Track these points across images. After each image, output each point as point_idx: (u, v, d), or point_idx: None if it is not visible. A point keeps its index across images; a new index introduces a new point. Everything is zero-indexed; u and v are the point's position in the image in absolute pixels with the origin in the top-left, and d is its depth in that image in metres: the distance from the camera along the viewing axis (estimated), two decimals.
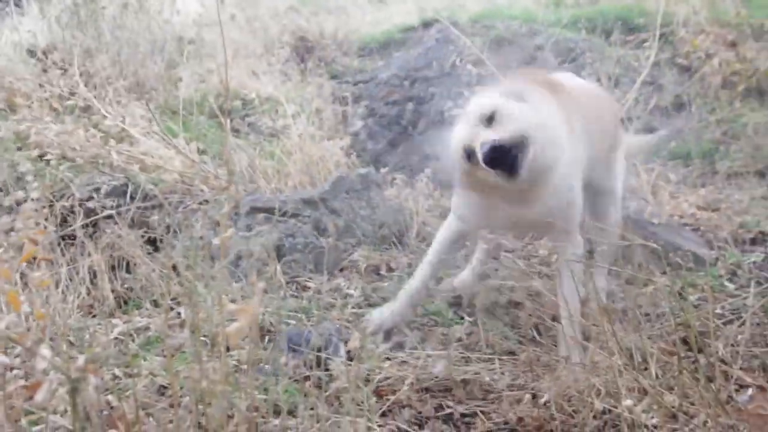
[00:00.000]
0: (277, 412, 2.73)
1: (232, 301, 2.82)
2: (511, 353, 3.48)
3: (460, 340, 3.58)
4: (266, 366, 3.05)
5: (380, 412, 3.00)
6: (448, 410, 3.08)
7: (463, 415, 3.05)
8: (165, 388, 2.89)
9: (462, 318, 3.94)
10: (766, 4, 8.91)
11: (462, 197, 3.72)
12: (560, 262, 3.54)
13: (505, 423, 2.96)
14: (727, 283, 4.21)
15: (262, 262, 4.01)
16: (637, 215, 4.55)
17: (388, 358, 3.44)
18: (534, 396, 3.02)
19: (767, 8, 8.65)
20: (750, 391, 2.88)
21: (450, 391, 3.21)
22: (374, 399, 3.00)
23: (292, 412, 2.87)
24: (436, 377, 3.25)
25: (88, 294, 3.88)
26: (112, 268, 4.09)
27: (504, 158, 3.11)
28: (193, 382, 2.03)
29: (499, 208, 3.51)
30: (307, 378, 3.12)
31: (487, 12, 9.31)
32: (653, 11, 7.81)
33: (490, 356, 3.46)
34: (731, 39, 7.66)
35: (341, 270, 4.46)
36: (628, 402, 2.64)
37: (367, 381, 3.15)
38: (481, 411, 3.07)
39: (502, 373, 3.32)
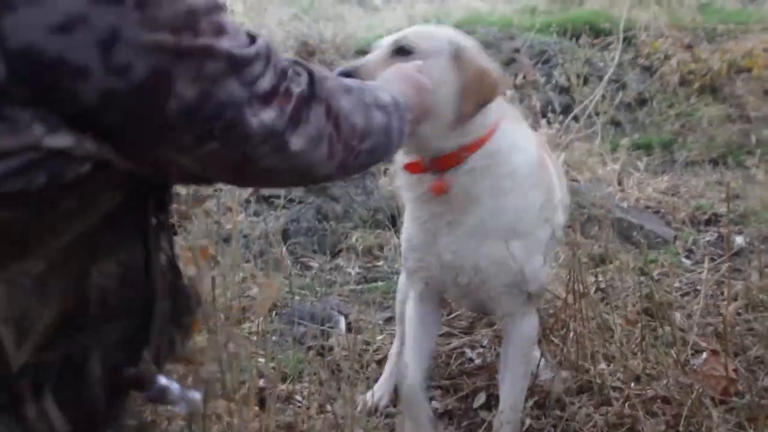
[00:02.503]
0: (284, 379, 2.75)
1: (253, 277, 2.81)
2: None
3: None
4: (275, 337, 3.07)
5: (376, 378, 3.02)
6: None
7: None
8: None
9: None
10: (719, 10, 8.96)
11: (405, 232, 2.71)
12: (510, 343, 2.63)
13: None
14: (684, 260, 4.24)
15: (269, 244, 4.03)
16: (606, 200, 4.55)
17: (382, 331, 3.46)
18: None
19: (719, 14, 8.70)
20: (704, 355, 2.91)
21: None
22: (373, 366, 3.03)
23: (298, 378, 2.89)
24: None
25: None
26: None
27: None
28: (211, 350, 2.03)
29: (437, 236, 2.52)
30: (310, 348, 3.14)
31: (470, 19, 9.32)
32: (617, 17, 7.86)
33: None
34: (688, 41, 7.68)
35: (340, 251, 4.48)
36: (601, 366, 2.66)
37: (366, 349, 3.17)
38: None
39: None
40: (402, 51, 2.31)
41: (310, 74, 1.55)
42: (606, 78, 6.66)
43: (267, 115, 1.42)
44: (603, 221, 3.87)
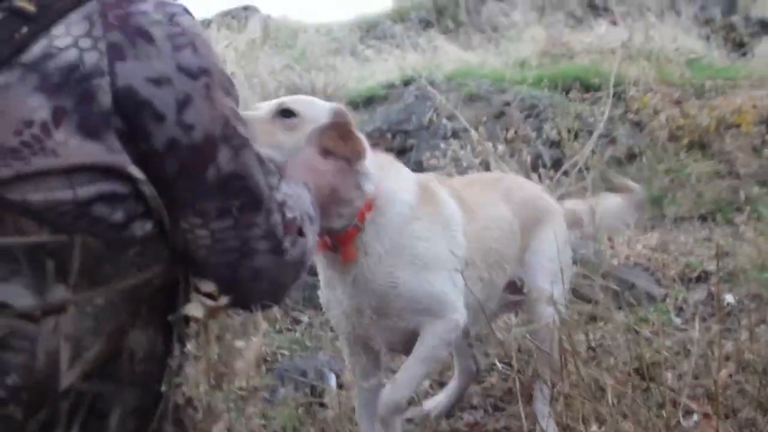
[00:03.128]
0: None
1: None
2: None
3: None
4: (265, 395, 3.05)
5: None
6: None
7: None
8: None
9: None
10: (707, 66, 9.06)
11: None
12: (420, 340, 2.81)
13: None
14: (674, 318, 4.25)
15: None
16: (597, 257, 4.56)
17: None
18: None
19: (708, 70, 8.79)
20: (695, 417, 2.90)
21: None
22: None
23: None
24: None
25: None
26: None
27: None
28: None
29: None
30: (301, 405, 3.12)
31: (461, 71, 9.40)
32: (607, 72, 7.89)
33: None
34: (676, 97, 7.76)
35: None
36: (593, 428, 2.65)
37: None
38: None
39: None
40: (285, 113, 2.48)
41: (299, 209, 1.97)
42: (596, 133, 6.69)
43: (274, 218, 1.80)
44: (593, 279, 3.87)
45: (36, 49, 1.54)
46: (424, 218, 2.79)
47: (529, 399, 3.04)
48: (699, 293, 4.64)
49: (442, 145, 6.29)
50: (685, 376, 3.25)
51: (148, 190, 1.60)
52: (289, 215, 1.86)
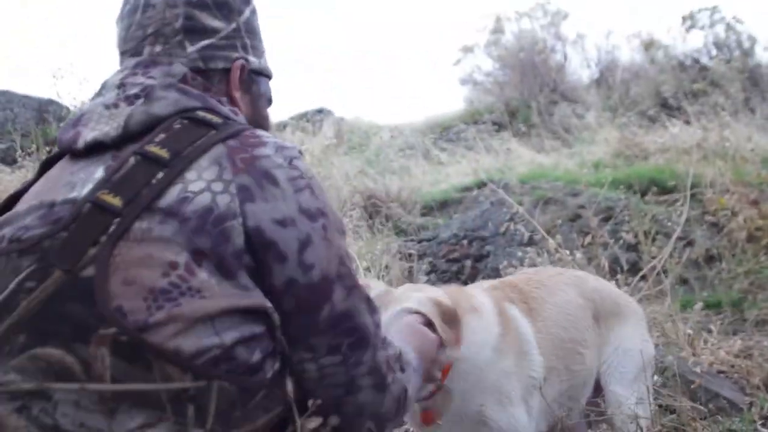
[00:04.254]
0: None
1: None
2: None
3: None
4: None
5: None
6: None
7: None
8: None
9: None
10: None
11: None
12: None
13: None
14: (760, 428, 4.16)
15: None
16: (679, 366, 4.49)
17: None
18: None
19: None
20: None
21: None
22: None
23: None
24: None
25: None
26: None
27: None
28: None
29: None
30: None
31: (534, 173, 9.45)
32: (683, 173, 7.86)
33: None
34: (753, 197, 7.66)
35: None
36: None
37: None
38: None
39: None
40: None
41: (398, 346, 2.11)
42: (675, 236, 6.63)
43: (380, 354, 1.93)
44: (676, 389, 3.82)
45: (172, 194, 1.70)
46: (509, 354, 2.78)
47: None
48: None
49: (519, 253, 6.33)
50: None
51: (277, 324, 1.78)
52: (390, 352, 1.99)
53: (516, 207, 6.69)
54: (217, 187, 1.71)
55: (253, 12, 2.23)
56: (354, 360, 1.86)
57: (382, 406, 1.96)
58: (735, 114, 11.63)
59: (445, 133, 15.58)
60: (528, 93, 16.34)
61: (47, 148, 9.61)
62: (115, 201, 1.68)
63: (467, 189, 9.24)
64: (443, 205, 9.08)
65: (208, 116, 1.89)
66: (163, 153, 1.77)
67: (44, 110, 12.04)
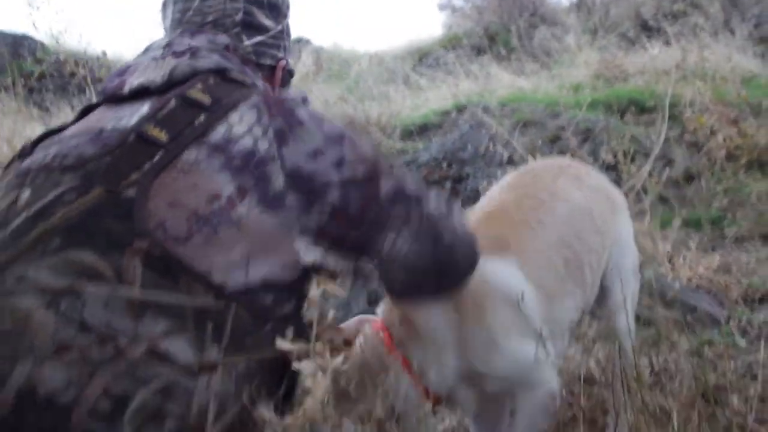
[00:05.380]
0: None
1: None
2: None
3: None
4: None
5: None
6: None
7: None
8: None
9: None
10: (763, 85, 8.96)
11: None
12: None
13: None
14: (739, 340, 4.19)
15: None
16: (658, 281, 4.51)
17: None
18: None
19: (764, 89, 8.69)
20: None
21: None
22: None
23: None
24: None
25: None
26: None
27: None
28: None
29: None
30: None
31: (514, 96, 9.40)
32: (662, 93, 7.84)
33: None
34: (733, 117, 7.65)
35: None
36: None
37: None
38: None
39: None
40: None
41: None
42: (653, 155, 6.64)
43: (434, 203, 2.13)
44: (655, 303, 3.84)
45: (219, 131, 1.88)
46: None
47: (591, 426, 3.01)
48: (763, 314, 4.57)
49: (499, 173, 6.30)
50: (751, 399, 3.22)
51: (328, 263, 1.97)
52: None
53: (495, 128, 6.67)
54: (258, 131, 1.90)
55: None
56: (424, 215, 2.07)
57: (461, 238, 2.20)
58: (715, 35, 11.56)
59: (424, 59, 15.45)
60: (507, 17, 16.18)
61: (22, 81, 9.54)
62: (161, 135, 1.86)
63: (447, 113, 9.18)
64: (423, 129, 9.03)
65: (242, 77, 2.11)
66: (205, 98, 1.96)
67: (19, 45, 11.97)
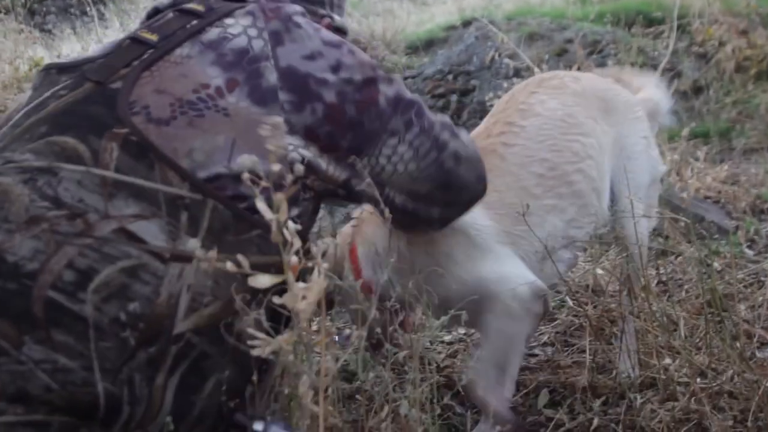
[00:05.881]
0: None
1: None
2: None
3: None
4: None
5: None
6: None
7: None
8: None
9: None
10: None
11: None
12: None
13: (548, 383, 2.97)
14: (746, 250, 4.19)
15: None
16: (666, 192, 4.48)
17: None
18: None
19: None
20: None
21: None
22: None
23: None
24: None
25: None
26: None
27: None
28: None
29: None
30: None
31: (521, 10, 9.27)
32: (670, 4, 7.73)
33: None
34: (742, 27, 7.55)
35: None
36: (666, 361, 2.63)
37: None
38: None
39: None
40: None
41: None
42: (661, 67, 6.56)
43: (437, 117, 2.19)
44: (663, 213, 3.82)
45: (213, 32, 1.94)
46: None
47: (597, 334, 3.01)
48: None
49: (505, 85, 6.24)
50: (758, 307, 3.22)
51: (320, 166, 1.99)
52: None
53: (502, 37, 6.59)
54: (252, 32, 1.95)
55: None
56: (426, 124, 2.12)
57: (469, 148, 2.26)
58: None
59: None
60: None
61: (23, 2, 9.48)
62: (152, 36, 1.96)
63: (452, 28, 9.06)
64: (428, 44, 8.93)
65: None
66: (200, 7, 2.04)
67: None
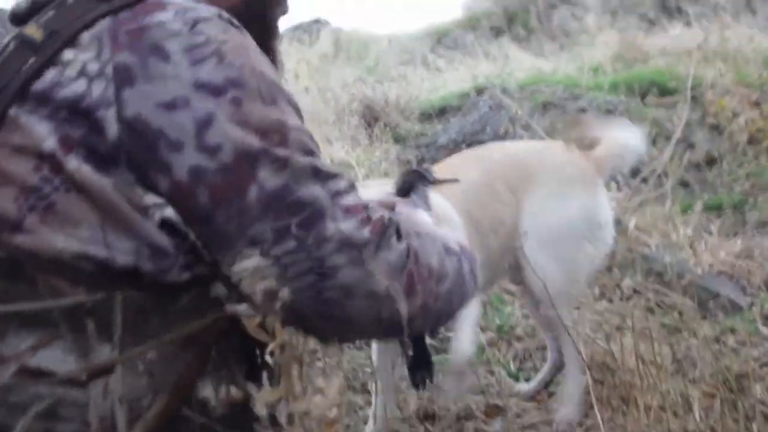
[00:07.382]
0: None
1: None
2: None
3: None
4: None
5: None
6: None
7: None
8: None
9: None
10: None
11: None
12: None
13: None
14: (761, 327, 4.16)
15: None
16: (679, 266, 4.48)
17: None
18: None
19: None
20: None
21: None
22: None
23: None
24: None
25: None
26: None
27: None
28: None
29: None
30: None
31: (533, 78, 9.33)
32: (683, 74, 7.77)
33: None
34: (755, 99, 7.59)
35: None
36: None
37: None
38: None
39: None
40: None
41: (390, 213, 1.58)
42: (674, 138, 6.58)
43: (346, 225, 1.45)
44: (676, 289, 3.81)
45: (47, 78, 1.42)
46: None
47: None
48: None
49: None
50: None
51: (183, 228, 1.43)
52: (374, 216, 1.50)
53: (515, 109, 6.63)
54: (93, 68, 1.39)
55: None
56: (313, 239, 1.42)
57: (375, 282, 1.46)
58: (736, 15, 11.47)
59: (443, 40, 15.40)
60: None
61: None
62: None
63: (465, 95, 9.12)
64: (442, 111, 8.99)
65: None
66: (38, 34, 1.48)
67: None
